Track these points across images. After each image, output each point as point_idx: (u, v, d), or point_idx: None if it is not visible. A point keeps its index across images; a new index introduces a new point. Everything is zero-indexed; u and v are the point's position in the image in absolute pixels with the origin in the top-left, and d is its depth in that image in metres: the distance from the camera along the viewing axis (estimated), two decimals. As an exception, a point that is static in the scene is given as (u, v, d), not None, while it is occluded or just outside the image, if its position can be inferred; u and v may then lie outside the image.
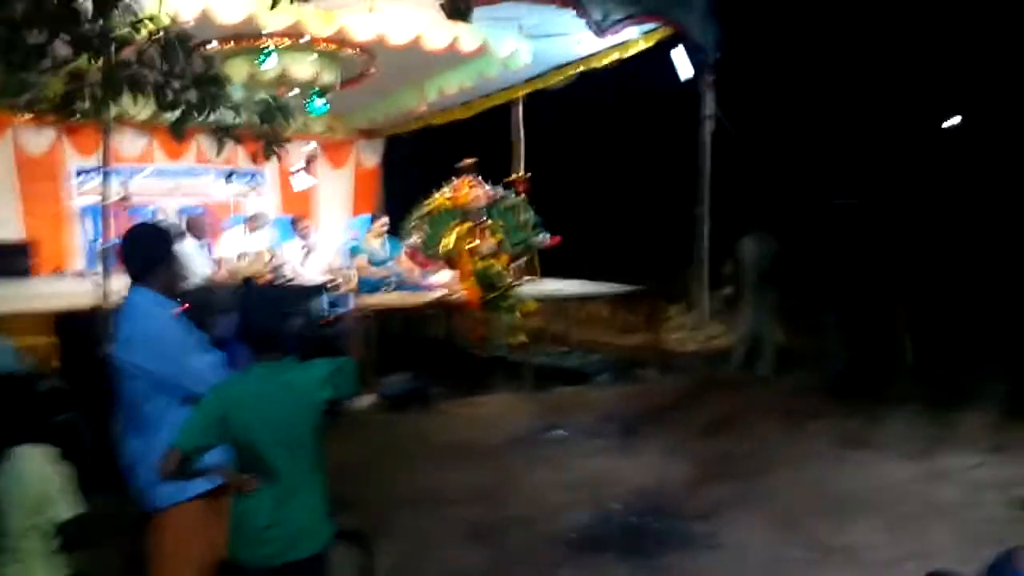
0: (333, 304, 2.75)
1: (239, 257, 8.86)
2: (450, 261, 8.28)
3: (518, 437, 6.28)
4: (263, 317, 2.47)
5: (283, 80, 7.64)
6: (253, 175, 11.60)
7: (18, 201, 10.16)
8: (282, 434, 2.40)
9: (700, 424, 6.53)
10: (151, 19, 3.23)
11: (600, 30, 7.76)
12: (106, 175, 6.19)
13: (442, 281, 8.37)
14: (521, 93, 10.09)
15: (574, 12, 7.53)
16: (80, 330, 5.77)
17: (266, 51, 7.29)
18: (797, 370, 8.29)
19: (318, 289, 6.97)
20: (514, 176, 9.94)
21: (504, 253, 8.30)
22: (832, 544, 4.21)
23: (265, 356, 2.47)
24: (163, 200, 10.78)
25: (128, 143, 10.51)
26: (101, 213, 6.99)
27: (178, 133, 3.63)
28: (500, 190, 8.60)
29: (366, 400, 7.09)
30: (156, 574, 2.81)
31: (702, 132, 9.30)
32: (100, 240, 7.44)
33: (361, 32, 7.27)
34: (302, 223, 9.38)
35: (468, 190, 8.27)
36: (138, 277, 2.81)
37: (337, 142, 12.59)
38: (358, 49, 7.81)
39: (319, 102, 8.19)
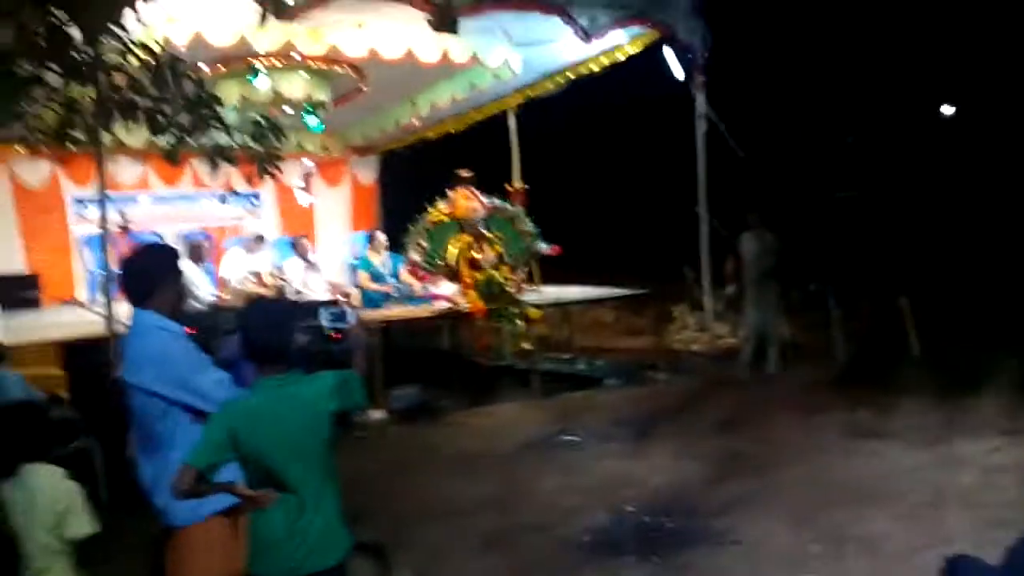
0: (339, 319, 2.73)
1: (243, 279, 8.88)
2: (451, 274, 8.28)
3: (528, 444, 6.27)
4: (265, 330, 2.47)
5: (275, 100, 7.68)
6: (251, 196, 11.62)
7: (18, 234, 10.20)
8: (293, 446, 2.40)
9: (711, 423, 6.51)
10: (142, 46, 3.24)
11: (587, 35, 7.77)
12: (103, 203, 6.20)
13: (446, 293, 8.37)
14: (514, 102, 10.12)
15: (560, 18, 7.55)
16: (89, 358, 5.78)
17: (257, 71, 7.32)
18: (805, 365, 8.28)
19: (325, 306, 6.96)
20: (510, 188, 9.94)
21: (505, 264, 8.31)
22: (849, 535, 4.18)
23: (270, 370, 2.46)
24: (163, 226, 10.79)
25: (124, 171, 10.56)
26: (101, 242, 7.01)
27: (173, 158, 3.63)
28: (497, 201, 8.61)
29: (376, 414, 7.10)
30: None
31: (696, 132, 9.30)
32: (102, 269, 7.45)
33: (352, 49, 7.29)
34: (301, 243, 9.40)
35: (465, 202, 8.27)
36: (141, 301, 2.81)
37: (332, 160, 12.61)
38: (348, 67, 7.84)
39: (313, 120, 8.21)
